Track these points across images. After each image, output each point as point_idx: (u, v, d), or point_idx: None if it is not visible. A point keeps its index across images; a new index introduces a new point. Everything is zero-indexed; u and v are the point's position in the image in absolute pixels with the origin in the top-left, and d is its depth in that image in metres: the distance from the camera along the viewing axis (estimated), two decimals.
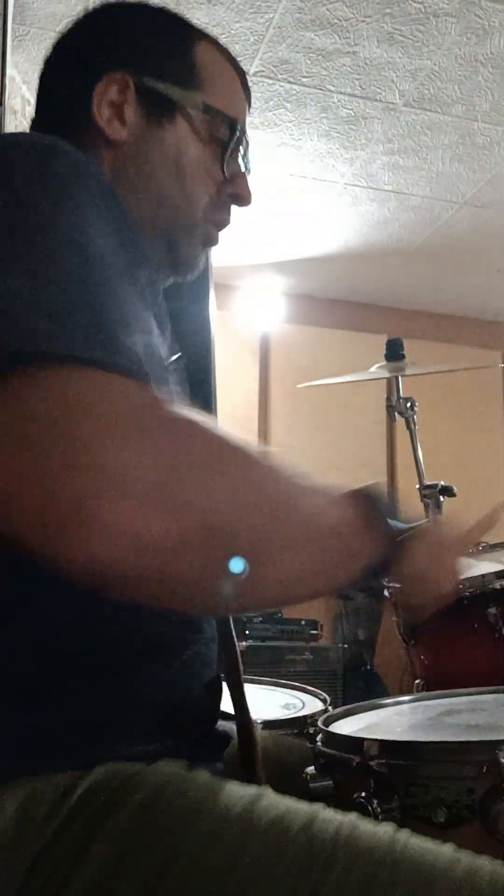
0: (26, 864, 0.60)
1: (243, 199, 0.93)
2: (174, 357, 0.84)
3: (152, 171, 0.86)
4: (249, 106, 0.94)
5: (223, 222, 0.93)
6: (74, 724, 0.68)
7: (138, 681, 0.72)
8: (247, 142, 0.92)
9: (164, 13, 0.90)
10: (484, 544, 1.63)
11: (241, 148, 0.91)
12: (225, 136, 0.89)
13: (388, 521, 0.71)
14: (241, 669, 0.89)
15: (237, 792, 0.64)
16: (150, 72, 0.85)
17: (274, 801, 0.64)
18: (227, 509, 0.58)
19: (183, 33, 0.89)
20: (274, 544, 0.61)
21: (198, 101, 0.87)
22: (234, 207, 0.94)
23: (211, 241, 0.93)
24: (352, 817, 0.64)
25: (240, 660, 0.89)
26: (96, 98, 0.84)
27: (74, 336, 0.55)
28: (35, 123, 0.90)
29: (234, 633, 0.89)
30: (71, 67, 0.89)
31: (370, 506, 0.70)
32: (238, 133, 0.89)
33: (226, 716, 0.86)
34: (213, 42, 0.90)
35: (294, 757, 1.00)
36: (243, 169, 0.92)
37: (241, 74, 0.93)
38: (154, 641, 0.74)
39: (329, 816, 0.63)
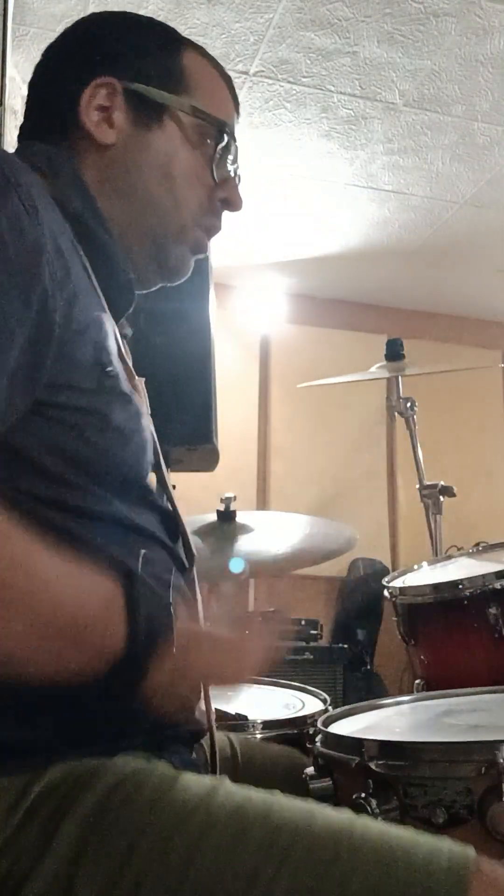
0: None
1: (234, 203, 0.92)
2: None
3: (140, 174, 0.86)
4: (238, 112, 0.94)
5: (214, 228, 0.93)
6: (33, 725, 0.68)
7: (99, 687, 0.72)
8: (236, 147, 0.91)
9: (151, 21, 0.91)
10: (484, 543, 1.63)
11: (230, 152, 0.90)
12: (215, 139, 0.88)
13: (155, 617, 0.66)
14: None
15: (195, 784, 0.64)
16: (139, 77, 0.86)
17: (231, 792, 0.64)
18: None
19: (170, 40, 0.90)
20: None
21: (186, 104, 0.87)
22: (226, 213, 0.93)
23: (200, 247, 0.93)
24: (309, 804, 0.64)
25: None
26: (84, 102, 0.84)
27: None
28: (23, 127, 0.90)
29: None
30: (60, 72, 0.89)
31: (129, 595, 0.65)
32: (227, 136, 0.89)
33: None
34: (200, 49, 0.91)
35: (280, 763, 1.00)
36: (233, 175, 0.92)
37: (228, 81, 0.93)
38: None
39: (286, 804, 0.63)
